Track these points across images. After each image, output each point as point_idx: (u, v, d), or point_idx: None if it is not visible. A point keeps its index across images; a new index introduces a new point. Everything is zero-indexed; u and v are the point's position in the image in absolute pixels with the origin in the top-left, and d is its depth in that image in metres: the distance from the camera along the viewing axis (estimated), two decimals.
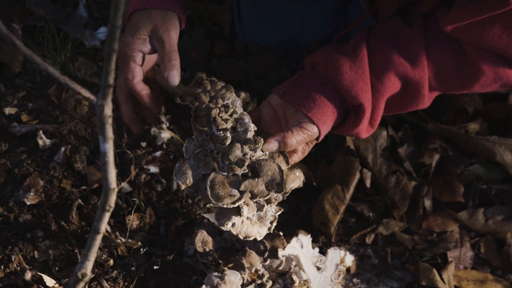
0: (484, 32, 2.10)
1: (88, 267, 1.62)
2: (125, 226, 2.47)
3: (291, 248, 2.30)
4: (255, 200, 2.03)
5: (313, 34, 2.81)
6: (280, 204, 2.14)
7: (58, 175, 2.59)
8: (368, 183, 2.66)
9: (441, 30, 2.17)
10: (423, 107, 2.32)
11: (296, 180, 2.09)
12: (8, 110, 2.76)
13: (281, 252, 2.27)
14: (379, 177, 2.67)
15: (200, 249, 2.30)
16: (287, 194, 2.09)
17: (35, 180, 2.54)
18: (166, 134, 2.72)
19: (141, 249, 2.42)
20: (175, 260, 2.38)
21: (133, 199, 2.54)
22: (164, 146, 2.73)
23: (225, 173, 2.04)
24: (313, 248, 2.40)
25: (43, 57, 2.86)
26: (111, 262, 2.37)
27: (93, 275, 2.31)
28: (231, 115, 2.05)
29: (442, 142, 2.75)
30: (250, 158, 2.03)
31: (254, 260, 2.26)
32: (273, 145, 2.07)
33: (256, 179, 2.04)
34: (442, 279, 2.47)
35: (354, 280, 2.50)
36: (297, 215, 2.63)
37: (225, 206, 2.00)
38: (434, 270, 2.48)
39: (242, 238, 2.06)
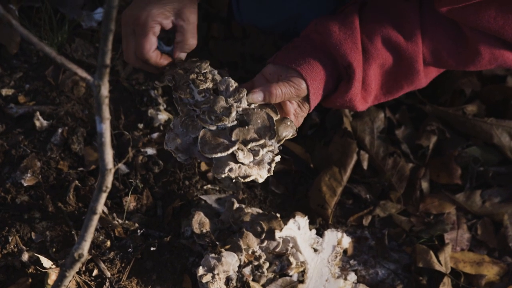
0: (479, 14, 2.09)
1: (85, 247, 1.63)
2: (122, 207, 2.48)
3: (288, 230, 2.30)
4: (248, 146, 2.02)
5: (311, 16, 2.80)
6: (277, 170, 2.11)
7: (55, 157, 2.58)
8: (365, 165, 2.67)
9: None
10: (420, 85, 2.32)
11: (288, 128, 2.07)
12: (5, 91, 2.76)
13: (278, 234, 2.27)
14: (376, 159, 2.67)
15: (197, 231, 2.30)
16: (282, 142, 2.06)
17: (32, 161, 2.54)
18: (163, 116, 2.72)
19: (138, 231, 2.42)
20: (172, 242, 2.38)
21: (130, 180, 2.54)
22: (161, 128, 2.72)
23: (214, 128, 2.03)
24: (310, 229, 2.40)
25: (40, 38, 2.85)
26: (108, 243, 2.37)
27: (90, 256, 2.32)
28: (210, 78, 2.05)
29: (440, 124, 2.75)
30: (236, 109, 2.02)
31: (251, 242, 2.26)
32: (257, 95, 2.06)
33: (247, 127, 2.02)
34: (439, 261, 2.48)
35: (351, 261, 2.51)
36: (294, 197, 2.63)
37: (219, 155, 1.98)
38: (431, 252, 2.48)
39: (242, 180, 2.03)
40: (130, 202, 2.48)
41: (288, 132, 2.07)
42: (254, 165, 2.05)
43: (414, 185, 2.64)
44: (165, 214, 2.50)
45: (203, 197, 2.48)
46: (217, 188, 2.59)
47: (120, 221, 2.42)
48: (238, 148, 1.99)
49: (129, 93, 2.80)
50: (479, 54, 2.20)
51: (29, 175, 2.51)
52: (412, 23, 2.20)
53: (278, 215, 2.34)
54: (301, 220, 2.34)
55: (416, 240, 2.55)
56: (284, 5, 2.77)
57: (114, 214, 2.44)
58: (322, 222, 2.56)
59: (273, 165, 2.08)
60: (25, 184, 2.49)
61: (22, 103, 2.74)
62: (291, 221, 2.32)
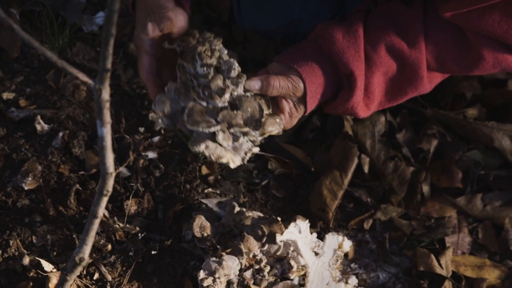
0: (483, 19, 2.09)
1: (86, 251, 1.63)
2: (123, 211, 2.48)
3: (289, 233, 2.30)
4: (231, 130, 2.01)
5: (312, 20, 2.80)
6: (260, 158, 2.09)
7: (56, 160, 2.59)
8: (366, 168, 2.67)
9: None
10: (424, 91, 2.31)
11: (275, 124, 2.06)
12: (6, 95, 2.76)
13: (279, 237, 2.27)
14: (377, 163, 2.67)
15: (198, 234, 2.30)
16: (265, 136, 2.06)
17: (33, 165, 2.54)
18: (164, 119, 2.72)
19: (139, 234, 2.42)
20: (173, 245, 2.38)
21: (131, 184, 2.54)
22: (162, 132, 2.73)
23: (204, 103, 2.02)
24: (311, 233, 2.40)
25: (41, 42, 2.85)
26: (109, 247, 2.37)
27: (91, 260, 2.32)
28: (216, 56, 2.05)
29: (440, 128, 2.75)
30: (231, 92, 2.03)
31: (252, 245, 2.26)
32: (255, 82, 2.06)
33: (236, 112, 2.02)
34: (440, 264, 2.48)
35: (352, 265, 2.51)
36: (295, 201, 2.64)
37: (200, 129, 1.97)
38: (432, 256, 2.48)
39: (214, 160, 1.99)
40: (131, 205, 2.49)
41: (274, 128, 2.06)
42: (231, 149, 2.05)
43: (415, 188, 2.64)
44: (166, 217, 2.50)
45: (204, 200, 2.48)
46: (218, 192, 2.59)
47: (121, 224, 2.42)
48: (220, 129, 1.99)
49: (130, 97, 2.81)
50: (482, 58, 2.20)
51: (30, 178, 2.51)
52: (416, 29, 2.20)
53: (279, 218, 2.34)
54: (302, 224, 2.34)
55: (417, 243, 2.55)
56: (285, 10, 2.77)
57: (115, 218, 2.44)
58: (323, 225, 2.57)
59: (249, 155, 2.07)
60: (26, 188, 2.49)
61: (23, 107, 2.74)
62: (292, 224, 2.32)
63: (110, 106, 1.37)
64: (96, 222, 1.57)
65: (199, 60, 2.03)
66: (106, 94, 1.34)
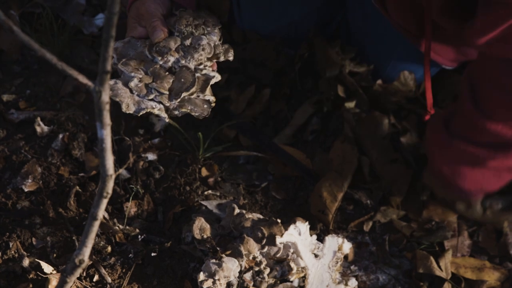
0: None
1: (86, 253, 1.63)
2: (123, 213, 2.48)
3: (289, 235, 2.30)
4: (150, 85, 2.04)
5: (312, 22, 2.81)
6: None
7: (56, 162, 2.59)
8: (366, 171, 2.66)
9: None
10: None
11: (197, 108, 2.09)
12: (6, 97, 2.76)
13: (279, 239, 2.27)
14: (378, 165, 2.67)
15: (198, 236, 2.30)
16: (180, 111, 2.08)
17: (33, 167, 2.54)
18: (164, 121, 2.72)
19: (139, 236, 2.42)
20: (173, 247, 2.38)
21: (131, 186, 2.54)
22: (162, 133, 2.73)
23: (149, 57, 2.08)
24: (311, 235, 2.40)
25: (41, 44, 2.85)
26: (109, 249, 2.37)
27: (91, 262, 2.32)
28: (195, 30, 2.11)
29: None
30: (177, 59, 2.07)
31: (252, 247, 2.26)
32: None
33: (168, 74, 2.05)
34: (439, 267, 2.48)
35: (352, 267, 2.50)
36: (295, 203, 2.64)
37: (126, 71, 2.03)
38: (432, 258, 2.48)
39: (110, 95, 1.99)
40: (130, 207, 2.49)
41: (192, 111, 2.09)
42: (134, 97, 2.05)
43: (415, 191, 2.64)
44: (166, 219, 2.50)
45: (203, 202, 2.48)
46: (218, 194, 2.59)
47: (120, 226, 2.42)
48: (140, 77, 2.04)
49: None
50: None
51: (30, 180, 2.51)
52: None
53: (279, 220, 2.33)
54: (302, 226, 2.34)
55: (417, 245, 2.55)
56: (285, 11, 2.77)
57: (115, 220, 2.44)
58: (322, 227, 2.56)
59: (145, 112, 2.06)
60: (26, 190, 2.49)
61: (23, 109, 2.74)
62: (291, 226, 2.32)
63: (110, 108, 1.37)
64: (96, 224, 1.57)
65: (177, 25, 2.08)
66: (106, 96, 1.34)
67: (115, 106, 2.14)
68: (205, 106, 2.09)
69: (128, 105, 2.04)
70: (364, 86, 2.77)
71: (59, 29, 2.90)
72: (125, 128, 2.71)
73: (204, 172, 2.64)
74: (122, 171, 2.58)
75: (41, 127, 2.66)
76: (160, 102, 2.06)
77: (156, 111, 2.06)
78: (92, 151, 2.64)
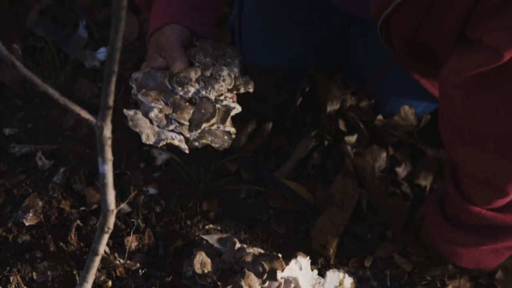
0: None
1: None
2: (123, 247, 2.47)
3: (290, 270, 2.29)
4: (171, 116, 2.03)
5: (314, 57, 2.82)
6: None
7: (57, 196, 2.59)
8: (364, 204, 2.66)
9: None
10: None
11: (218, 139, 2.08)
12: (7, 131, 2.76)
13: (280, 274, 2.27)
14: (376, 199, 2.67)
15: (198, 271, 2.29)
16: (201, 142, 2.06)
17: (34, 200, 2.54)
18: (165, 155, 2.72)
19: (140, 270, 2.41)
20: (173, 282, 2.37)
21: (132, 220, 2.54)
22: (163, 167, 2.73)
23: (170, 87, 2.07)
24: (312, 270, 2.39)
25: (43, 78, 2.86)
26: (110, 283, 2.36)
27: None
28: (212, 61, 2.13)
29: (436, 164, 2.75)
30: (198, 89, 2.07)
31: (253, 282, 2.25)
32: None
33: (188, 105, 2.05)
34: None
35: None
36: (296, 237, 2.63)
37: (146, 101, 2.03)
38: None
39: (129, 125, 2.02)
40: (131, 241, 2.48)
41: (213, 142, 2.08)
42: (155, 128, 2.04)
43: (414, 225, 2.64)
44: (167, 254, 2.49)
45: (205, 236, 2.48)
46: (219, 228, 2.59)
47: (121, 261, 2.42)
48: (160, 108, 2.02)
49: (131, 132, 2.81)
50: None
51: (30, 214, 2.51)
52: None
53: (280, 255, 2.33)
54: (303, 261, 2.34)
55: (418, 281, 2.54)
56: (287, 47, 2.79)
57: (116, 254, 2.44)
58: (324, 262, 2.56)
59: (166, 142, 2.05)
60: (26, 224, 2.49)
61: (24, 143, 2.74)
62: (293, 261, 2.31)
63: (111, 143, 1.37)
64: (97, 260, 1.57)
65: (197, 56, 2.08)
66: (107, 132, 1.34)
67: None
68: (226, 137, 2.09)
69: (148, 136, 2.03)
70: (365, 120, 2.78)
71: (61, 62, 2.91)
72: (127, 162, 2.72)
73: (205, 206, 2.63)
74: (123, 205, 2.58)
75: (42, 161, 2.67)
76: (180, 133, 2.05)
77: (176, 142, 2.05)
78: (94, 185, 2.64)
